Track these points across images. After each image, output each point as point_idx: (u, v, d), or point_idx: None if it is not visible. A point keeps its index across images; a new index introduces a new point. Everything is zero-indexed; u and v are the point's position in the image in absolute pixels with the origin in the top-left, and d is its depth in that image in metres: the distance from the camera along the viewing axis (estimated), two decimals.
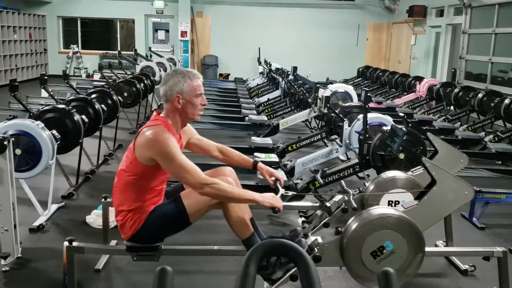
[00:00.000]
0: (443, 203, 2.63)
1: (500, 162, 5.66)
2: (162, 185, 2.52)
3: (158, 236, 2.50)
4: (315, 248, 2.46)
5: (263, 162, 4.37)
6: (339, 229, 2.48)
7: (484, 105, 7.45)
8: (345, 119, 4.98)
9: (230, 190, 2.34)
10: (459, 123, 7.46)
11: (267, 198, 2.38)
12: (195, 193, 2.39)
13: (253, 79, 12.03)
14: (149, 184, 2.42)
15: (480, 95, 7.58)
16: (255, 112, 7.49)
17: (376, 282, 2.34)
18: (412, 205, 2.62)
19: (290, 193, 2.70)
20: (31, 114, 4.27)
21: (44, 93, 7.02)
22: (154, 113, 2.51)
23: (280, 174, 2.77)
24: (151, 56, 12.99)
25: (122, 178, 2.44)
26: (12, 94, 4.13)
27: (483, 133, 6.21)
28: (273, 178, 2.73)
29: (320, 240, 2.52)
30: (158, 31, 15.33)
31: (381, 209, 2.45)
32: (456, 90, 8.43)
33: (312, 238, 2.55)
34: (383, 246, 2.36)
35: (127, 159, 2.42)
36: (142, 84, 7.23)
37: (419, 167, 3.44)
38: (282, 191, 2.62)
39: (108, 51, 15.12)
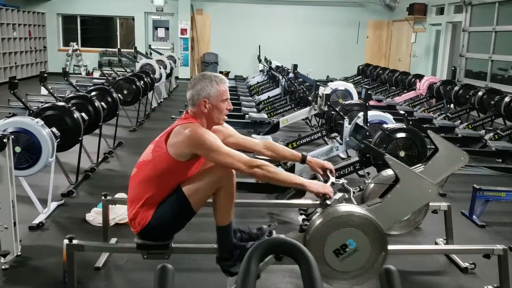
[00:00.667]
0: (406, 201, 2.61)
1: (500, 160, 5.66)
2: (179, 183, 2.49)
3: (166, 231, 2.49)
4: None
5: (264, 159, 4.41)
6: (303, 226, 2.46)
7: (484, 103, 7.44)
8: (345, 117, 4.97)
9: (279, 171, 2.41)
10: (459, 121, 7.46)
11: (316, 184, 2.44)
12: (194, 181, 2.42)
13: (253, 77, 12.01)
14: (174, 180, 2.42)
15: (480, 93, 7.57)
16: (255, 110, 7.48)
17: (338, 280, 2.36)
18: (376, 203, 2.60)
19: (342, 181, 2.66)
20: (31, 111, 4.27)
21: (43, 91, 7.02)
22: (185, 112, 2.53)
23: (331, 165, 2.76)
24: (151, 53, 12.98)
25: (144, 171, 2.43)
26: (12, 92, 4.12)
27: (483, 131, 6.20)
28: (324, 170, 2.74)
29: (283, 237, 2.51)
30: (158, 28, 15.31)
31: (344, 206, 2.42)
32: (456, 88, 8.43)
33: (276, 236, 2.54)
34: (346, 244, 2.34)
35: (155, 152, 2.42)
36: (142, 82, 7.22)
37: (420, 164, 3.44)
38: (332, 179, 2.61)
39: (108, 49, 15.10)
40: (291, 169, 4.60)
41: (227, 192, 2.45)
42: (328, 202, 2.43)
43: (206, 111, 2.45)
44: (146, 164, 2.43)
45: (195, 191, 2.42)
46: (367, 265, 2.38)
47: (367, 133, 4.28)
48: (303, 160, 2.76)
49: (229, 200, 2.48)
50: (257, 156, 2.81)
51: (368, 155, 4.14)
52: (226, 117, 2.57)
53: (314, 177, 4.03)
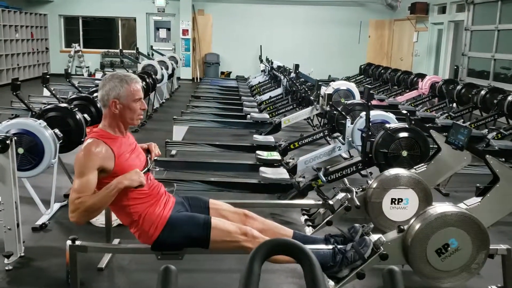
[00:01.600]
0: (506, 199, 2.64)
1: (503, 159, 5.64)
2: (144, 189, 2.37)
3: (177, 246, 2.46)
4: (381, 247, 2.45)
5: (265, 160, 4.42)
6: (401, 227, 2.48)
7: (487, 102, 7.42)
8: (347, 117, 4.97)
9: (94, 200, 2.19)
10: (462, 120, 7.44)
11: (133, 177, 2.26)
12: (226, 224, 2.39)
13: (255, 77, 12.02)
14: (126, 194, 2.34)
15: (483, 92, 7.56)
16: (257, 110, 7.48)
17: (439, 279, 2.37)
18: (476, 202, 2.63)
19: (159, 168, 2.61)
20: (33, 113, 4.28)
21: (46, 92, 7.04)
22: (87, 129, 2.48)
23: (154, 148, 2.70)
24: (152, 54, 12.99)
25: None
26: (14, 93, 4.14)
27: (486, 130, 6.19)
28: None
29: (383, 238, 2.51)
30: (160, 29, 15.32)
31: (444, 207, 2.46)
32: (459, 87, 8.41)
33: (375, 236, 2.53)
34: (448, 244, 2.39)
35: None
36: (144, 83, 7.22)
37: (422, 164, 3.44)
38: (151, 165, 2.57)
39: (110, 50, 15.11)
40: (293, 169, 4.60)
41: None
42: (330, 202, 2.42)
43: (117, 111, 2.37)
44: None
45: (221, 236, 2.37)
46: (469, 264, 2.42)
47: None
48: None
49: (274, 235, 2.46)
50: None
51: (370, 155, 4.13)
52: (141, 117, 2.48)
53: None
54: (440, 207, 2.45)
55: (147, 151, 2.67)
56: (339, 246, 2.51)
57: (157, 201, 2.44)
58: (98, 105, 4.95)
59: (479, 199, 2.67)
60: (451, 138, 3.13)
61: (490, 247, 2.75)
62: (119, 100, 2.35)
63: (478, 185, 3.98)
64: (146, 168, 2.48)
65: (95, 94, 5.41)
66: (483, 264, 2.48)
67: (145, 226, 2.38)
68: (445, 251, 2.39)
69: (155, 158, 2.71)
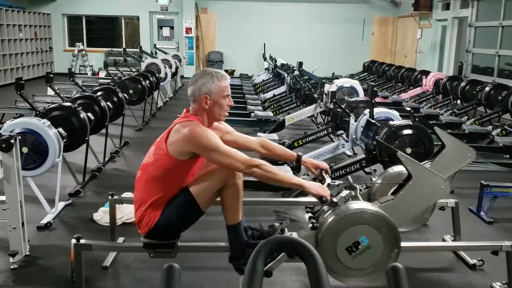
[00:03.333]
0: (419, 198, 2.60)
1: (508, 156, 5.61)
2: (186, 183, 2.50)
3: (173, 231, 2.50)
4: None
5: (262, 160, 4.40)
6: (315, 224, 2.46)
7: (491, 99, 7.40)
8: (351, 114, 4.96)
9: (277, 172, 2.38)
10: (466, 117, 7.41)
11: (315, 185, 2.40)
12: (200, 181, 2.43)
13: (259, 75, 12.01)
14: (178, 179, 2.43)
15: (487, 89, 7.53)
16: (260, 108, 7.47)
17: (351, 277, 2.35)
18: (388, 200, 2.59)
19: (337, 182, 2.66)
20: (38, 112, 4.29)
21: (50, 91, 7.05)
22: (184, 110, 2.53)
23: (326, 165, 2.74)
24: (156, 53, 13.01)
25: (148, 172, 2.44)
26: (18, 93, 4.14)
27: (491, 126, 6.16)
28: (319, 170, 2.72)
29: (295, 235, 2.50)
30: (163, 28, 15.33)
31: (356, 204, 2.41)
32: (463, 83, 8.38)
33: (288, 234, 2.54)
34: (358, 242, 2.34)
35: (156, 154, 2.43)
36: (147, 81, 7.24)
37: (426, 161, 3.43)
38: (328, 180, 2.60)
39: (113, 49, 15.15)
40: (297, 167, 4.59)
41: (234, 191, 2.45)
42: (335, 199, 2.42)
43: (207, 107, 2.44)
44: (150, 166, 2.44)
45: (202, 191, 2.42)
46: (380, 262, 2.38)
47: (378, 129, 4.26)
48: (298, 160, 2.75)
49: (237, 198, 2.48)
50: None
51: (374, 152, 4.13)
52: (227, 113, 2.56)
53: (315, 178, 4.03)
54: (352, 205, 2.40)
55: (320, 169, 2.72)
56: (252, 241, 2.53)
57: (171, 192, 2.49)
58: (102, 104, 4.97)
59: (392, 197, 2.63)
60: (363, 133, 3.09)
61: (495, 244, 2.75)
62: (209, 95, 2.43)
63: (482, 182, 3.98)
64: (326, 183, 2.54)
65: (99, 93, 5.43)
66: (395, 261, 2.41)
67: (150, 213, 2.42)
68: (355, 249, 2.34)
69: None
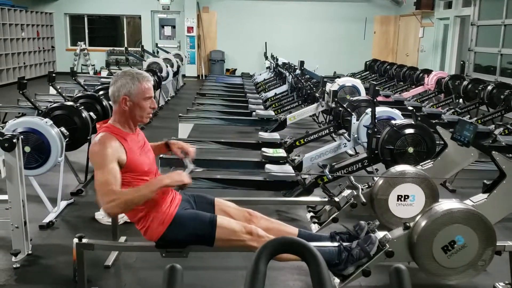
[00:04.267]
0: None
1: (510, 155, 5.59)
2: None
3: (182, 243, 2.47)
4: (386, 244, 2.44)
5: (271, 157, 4.41)
6: (407, 224, 2.47)
7: (493, 98, 7.38)
8: (353, 113, 4.96)
9: (134, 195, 2.21)
10: (469, 116, 7.39)
11: (172, 177, 2.31)
12: (231, 223, 2.40)
13: (260, 74, 12.01)
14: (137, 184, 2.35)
15: (489, 88, 7.51)
16: (262, 107, 7.47)
17: (445, 276, 2.37)
18: (482, 199, 2.62)
19: (200, 169, 2.62)
20: (40, 111, 4.30)
21: (52, 91, 7.06)
22: (97, 125, 2.48)
23: (191, 149, 2.68)
24: (157, 52, 13.01)
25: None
26: (21, 92, 4.16)
27: (493, 126, 6.14)
28: (183, 154, 2.66)
29: (389, 235, 2.51)
30: (165, 27, 15.34)
31: (450, 203, 2.45)
32: (465, 82, 8.35)
33: (380, 234, 2.53)
34: (454, 241, 2.38)
35: None
36: None
37: (429, 160, 3.42)
38: (191, 166, 2.56)
39: (115, 48, 15.16)
40: (299, 166, 4.59)
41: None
42: (336, 199, 2.42)
43: (127, 108, 2.36)
44: None
45: (227, 234, 2.38)
46: (475, 261, 2.41)
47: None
48: (168, 146, 2.72)
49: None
50: None
51: (376, 152, 4.12)
52: (150, 115, 2.48)
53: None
54: (446, 204, 2.43)
55: (184, 152, 2.65)
56: (344, 244, 2.51)
57: (164, 198, 2.45)
58: (104, 103, 4.97)
59: (485, 195, 2.65)
60: (457, 134, 3.11)
61: (498, 244, 2.74)
62: (129, 97, 2.35)
63: (485, 181, 3.97)
64: (189, 170, 2.49)
65: (101, 92, 5.44)
66: (490, 261, 2.46)
67: (152, 223, 2.39)
68: (451, 248, 2.38)
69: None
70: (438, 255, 2.38)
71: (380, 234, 2.52)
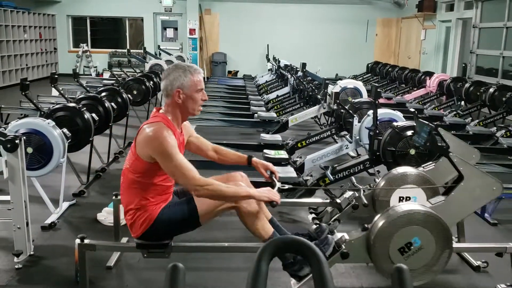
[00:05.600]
0: (470, 198, 2.62)
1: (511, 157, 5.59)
2: (168, 182, 2.48)
3: (167, 235, 2.50)
4: (342, 245, 2.44)
5: (273, 158, 4.41)
6: (366, 225, 2.47)
7: (495, 100, 7.37)
8: (355, 115, 4.95)
9: (224, 189, 2.31)
10: (470, 118, 7.38)
11: (264, 192, 2.38)
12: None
13: (262, 76, 12.01)
14: (153, 181, 2.40)
15: (491, 90, 7.50)
16: (264, 109, 7.47)
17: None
18: (440, 201, 2.60)
19: (287, 186, 2.70)
20: (42, 112, 4.30)
21: (54, 92, 7.07)
22: (154, 109, 2.49)
23: (275, 168, 2.74)
24: (160, 54, 13.03)
25: (127, 177, 2.43)
26: (23, 93, 4.17)
27: (495, 128, 6.14)
28: (268, 172, 2.71)
29: (347, 237, 2.51)
30: (167, 29, 15.36)
31: (408, 205, 2.44)
32: (467, 85, 8.35)
33: (338, 235, 2.54)
34: (411, 242, 2.37)
35: (130, 158, 2.42)
36: (151, 82, 7.26)
37: (430, 162, 3.42)
38: (278, 184, 2.61)
39: (118, 50, 15.18)
40: (301, 168, 4.60)
41: (248, 212, 2.43)
42: (338, 200, 2.43)
43: (180, 101, 2.40)
44: (128, 171, 2.42)
45: (207, 207, 2.41)
46: (432, 263, 2.39)
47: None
48: (249, 162, 2.74)
49: (254, 217, 2.45)
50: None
51: (378, 153, 4.12)
52: (201, 108, 2.52)
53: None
54: (404, 205, 2.41)
55: (270, 172, 2.70)
56: None
57: (165, 201, 2.48)
58: (106, 104, 4.98)
59: (443, 197, 2.62)
60: (416, 136, 3.11)
61: (499, 245, 2.74)
62: (182, 90, 2.39)
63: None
64: (276, 188, 2.54)
65: (103, 94, 5.45)
66: (447, 263, 2.44)
67: (142, 215, 2.41)
68: (408, 250, 2.36)
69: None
70: (395, 256, 2.36)
71: (338, 236, 2.52)
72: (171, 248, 2.53)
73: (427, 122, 3.07)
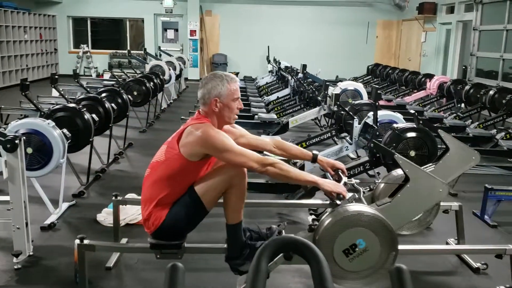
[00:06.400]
0: (416, 200, 2.59)
1: (511, 159, 5.60)
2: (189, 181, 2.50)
3: (179, 230, 2.50)
4: None
5: (276, 158, 4.41)
6: (312, 226, 2.45)
7: (495, 102, 7.37)
8: (355, 117, 4.96)
9: (291, 169, 2.41)
10: (470, 120, 7.39)
11: (329, 182, 2.43)
12: (206, 180, 2.43)
13: (262, 78, 12.01)
14: (186, 180, 2.44)
15: (491, 92, 7.50)
16: (264, 110, 7.48)
17: (348, 279, 2.35)
18: (386, 203, 2.58)
19: (354, 180, 2.68)
20: (42, 113, 4.30)
21: (54, 93, 7.07)
22: (197, 112, 2.54)
23: (342, 165, 2.75)
24: (160, 55, 13.02)
25: (157, 171, 2.45)
26: (23, 94, 4.17)
27: (495, 130, 6.14)
28: (335, 169, 2.73)
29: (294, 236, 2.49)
30: (167, 30, 15.38)
31: (353, 206, 2.40)
32: (467, 87, 8.35)
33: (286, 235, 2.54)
34: (356, 244, 2.33)
35: (168, 153, 2.43)
36: (151, 83, 7.26)
37: (430, 164, 3.42)
38: (344, 179, 2.61)
39: (118, 51, 15.19)
40: (301, 170, 4.59)
41: (238, 190, 2.46)
42: (338, 202, 2.42)
43: (217, 110, 2.45)
44: (159, 165, 2.44)
45: (207, 190, 2.43)
46: (377, 265, 2.36)
47: (377, 132, 4.26)
48: (314, 159, 2.75)
49: (240, 199, 2.48)
50: (268, 154, 2.79)
51: (378, 155, 4.12)
52: (236, 116, 2.57)
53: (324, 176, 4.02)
54: (349, 207, 2.38)
55: (336, 169, 2.72)
56: (249, 242, 2.54)
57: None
58: (106, 105, 4.98)
59: (389, 199, 2.60)
60: (361, 135, 3.09)
61: (499, 247, 2.74)
62: (219, 98, 2.44)
63: (486, 185, 3.97)
64: (343, 181, 2.57)
65: (103, 95, 5.45)
66: (392, 265, 2.41)
67: (156, 212, 2.43)
68: (352, 252, 2.32)
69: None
70: (339, 258, 2.33)
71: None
72: (184, 249, 2.51)
73: (371, 124, 3.02)
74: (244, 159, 2.35)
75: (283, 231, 2.63)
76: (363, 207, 2.41)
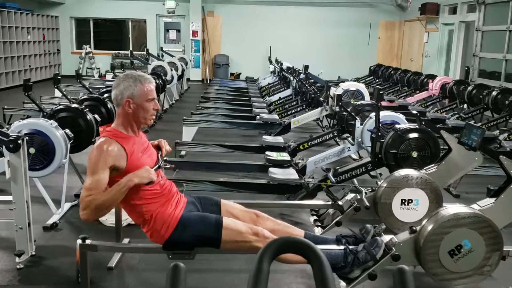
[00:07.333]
0: None
1: None
2: (155, 188, 2.41)
3: (188, 245, 2.46)
4: (393, 247, 2.44)
5: (275, 160, 4.42)
6: (414, 228, 2.47)
7: (498, 103, 7.35)
8: (357, 118, 4.95)
9: (104, 198, 2.21)
10: (473, 121, 7.37)
11: (143, 174, 2.28)
12: (237, 224, 2.40)
13: (264, 78, 12.03)
14: (138, 193, 2.36)
15: (494, 93, 7.48)
16: (266, 111, 7.48)
17: (451, 280, 2.36)
18: (489, 203, 2.61)
19: (169, 165, 2.62)
20: (45, 113, 4.32)
21: (57, 93, 7.09)
22: (101, 128, 2.49)
23: (162, 143, 2.66)
24: (162, 56, 13.05)
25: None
26: (26, 94, 4.18)
27: (497, 131, 6.12)
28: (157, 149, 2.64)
29: (396, 239, 2.50)
30: (170, 31, 15.39)
31: (457, 207, 2.44)
32: (470, 88, 8.33)
33: (386, 237, 2.53)
34: (461, 245, 2.37)
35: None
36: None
37: (433, 165, 3.42)
38: (160, 162, 2.53)
39: (120, 51, 15.22)
40: (302, 170, 4.59)
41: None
42: (340, 202, 2.41)
43: (131, 111, 2.38)
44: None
45: (232, 235, 2.38)
46: (481, 265, 2.40)
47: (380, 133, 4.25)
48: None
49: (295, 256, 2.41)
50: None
51: (380, 156, 4.11)
52: (153, 117, 2.49)
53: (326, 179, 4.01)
54: (452, 208, 2.42)
55: (158, 148, 2.65)
56: (350, 247, 2.50)
57: (169, 201, 2.45)
58: (109, 105, 4.98)
59: (492, 200, 2.63)
60: (464, 138, 3.10)
61: (504, 249, 2.73)
62: (132, 99, 2.36)
63: (489, 186, 3.95)
64: (157, 165, 2.48)
65: (105, 95, 5.45)
66: (496, 266, 2.45)
67: (157, 226, 2.39)
68: (458, 253, 2.37)
69: (165, 155, 2.69)
70: (445, 259, 2.37)
71: (386, 238, 2.51)
72: (196, 250, 2.48)
73: (478, 125, 3.05)
74: (84, 192, 2.21)
75: (382, 233, 2.56)
76: (467, 209, 2.46)
